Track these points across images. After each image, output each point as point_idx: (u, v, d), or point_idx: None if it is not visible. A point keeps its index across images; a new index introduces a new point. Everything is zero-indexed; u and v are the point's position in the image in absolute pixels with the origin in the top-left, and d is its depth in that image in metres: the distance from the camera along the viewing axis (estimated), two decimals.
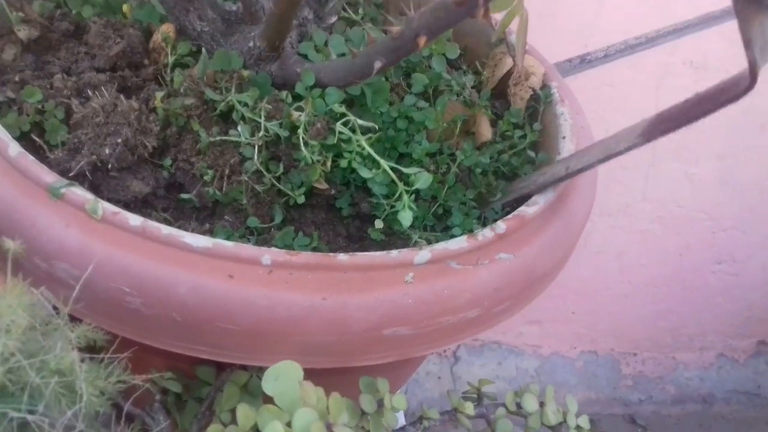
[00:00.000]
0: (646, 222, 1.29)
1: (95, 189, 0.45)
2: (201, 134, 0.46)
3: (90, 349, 0.32)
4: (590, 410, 1.46)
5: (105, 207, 0.40)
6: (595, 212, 1.27)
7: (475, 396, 0.53)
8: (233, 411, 0.40)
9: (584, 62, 0.97)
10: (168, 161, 0.48)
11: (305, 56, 0.55)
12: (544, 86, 0.65)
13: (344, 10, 0.63)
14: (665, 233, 1.31)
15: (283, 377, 0.37)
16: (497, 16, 0.56)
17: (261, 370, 0.40)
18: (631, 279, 1.38)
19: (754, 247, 1.37)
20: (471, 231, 0.47)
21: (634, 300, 1.40)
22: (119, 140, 0.45)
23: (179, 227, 0.43)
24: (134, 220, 0.40)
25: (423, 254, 0.44)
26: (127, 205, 0.46)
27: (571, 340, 1.46)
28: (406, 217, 0.46)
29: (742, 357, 1.57)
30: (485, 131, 0.58)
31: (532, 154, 0.60)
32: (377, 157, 0.48)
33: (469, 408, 0.50)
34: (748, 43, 0.35)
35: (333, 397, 0.34)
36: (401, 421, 0.81)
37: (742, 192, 1.28)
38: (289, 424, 0.34)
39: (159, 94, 0.48)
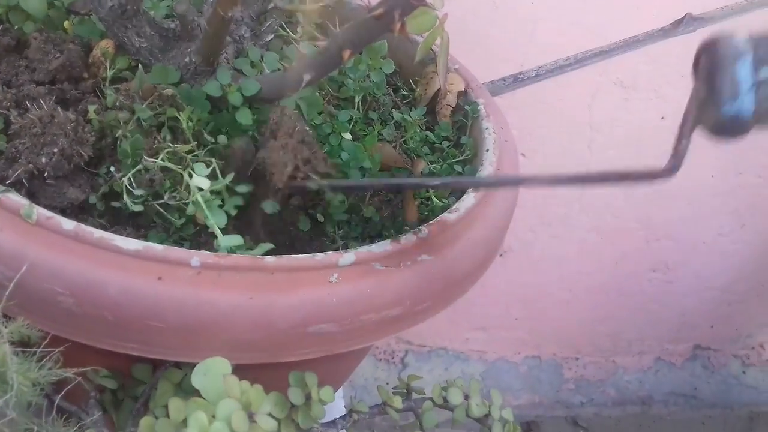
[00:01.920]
0: (584, 232, 1.34)
1: (32, 196, 0.47)
2: (126, 149, 0.48)
3: (23, 345, 0.34)
4: (534, 413, 1.51)
5: (39, 212, 0.42)
6: (536, 222, 1.33)
7: (405, 391, 0.56)
8: (166, 407, 0.42)
9: (517, 81, 1.02)
10: (104, 169, 0.50)
11: (240, 71, 0.58)
12: (472, 103, 0.69)
13: (282, 29, 0.66)
14: (602, 242, 1.37)
15: (211, 372, 0.40)
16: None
17: (194, 368, 0.42)
18: (571, 286, 1.42)
19: (686, 255, 1.43)
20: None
21: (575, 306, 1.45)
22: (56, 150, 0.47)
23: (114, 232, 0.46)
24: (67, 224, 0.42)
25: (347, 256, 0.47)
26: (63, 212, 0.48)
27: (515, 346, 1.50)
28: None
29: (679, 360, 1.63)
30: (411, 215, 0.61)
31: (458, 168, 0.64)
32: None
33: (398, 401, 0.53)
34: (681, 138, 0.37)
35: (254, 389, 0.37)
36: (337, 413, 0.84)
37: (672, 203, 1.34)
38: (214, 416, 0.37)
39: (92, 107, 0.50)
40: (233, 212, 0.49)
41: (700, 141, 1.35)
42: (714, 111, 0.35)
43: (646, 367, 1.61)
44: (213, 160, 0.49)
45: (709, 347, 1.63)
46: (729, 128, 0.36)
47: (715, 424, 1.59)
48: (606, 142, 1.22)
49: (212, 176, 0.49)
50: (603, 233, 1.35)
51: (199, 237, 0.49)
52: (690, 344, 1.62)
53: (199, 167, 0.47)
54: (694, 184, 1.32)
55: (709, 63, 0.35)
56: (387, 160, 0.62)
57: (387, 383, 1.43)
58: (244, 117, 0.53)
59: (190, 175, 0.47)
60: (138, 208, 0.48)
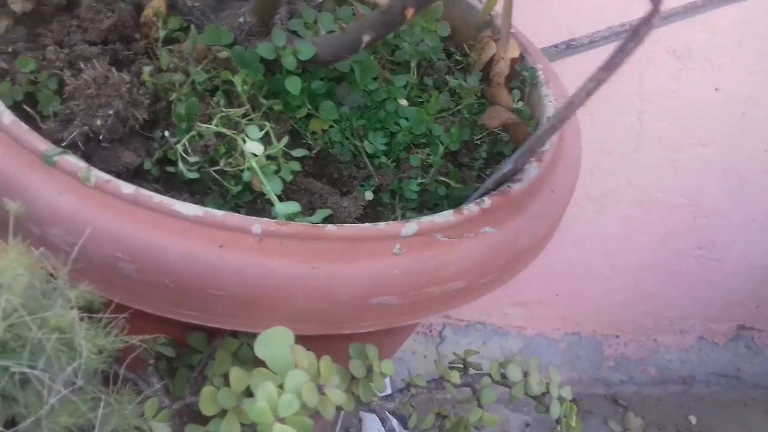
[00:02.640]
0: (630, 207, 1.31)
1: (87, 159, 0.46)
2: (181, 112, 0.46)
3: (87, 311, 0.33)
4: (573, 390, 1.47)
5: (97, 175, 0.41)
6: (581, 197, 1.29)
7: (461, 366, 0.55)
8: (225, 376, 0.41)
9: (570, 48, 0.98)
10: (159, 133, 0.48)
11: (295, 32, 0.56)
12: (530, 68, 0.66)
13: None
14: (648, 218, 1.33)
15: (275, 342, 0.38)
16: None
17: (251, 338, 0.41)
18: (615, 263, 1.40)
19: (734, 233, 1.39)
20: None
21: (618, 283, 1.43)
22: (111, 112, 0.46)
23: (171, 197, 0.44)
24: (126, 188, 0.40)
25: (410, 227, 0.45)
26: (119, 176, 0.47)
27: (555, 322, 1.48)
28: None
29: (722, 340, 1.60)
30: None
31: None
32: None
33: (455, 376, 0.52)
34: None
35: (324, 360, 0.36)
36: (388, 390, 0.83)
37: (723, 179, 1.30)
38: (281, 387, 0.36)
39: (147, 69, 0.48)
40: (289, 178, 0.47)
41: (754, 115, 1.31)
42: None
43: (689, 346, 1.58)
44: (267, 123, 0.47)
45: (753, 327, 1.59)
46: None
47: (758, 406, 1.55)
48: (656, 113, 1.18)
49: (267, 141, 0.47)
50: (649, 209, 1.32)
51: (256, 204, 0.48)
52: (734, 324, 1.58)
53: (252, 130, 0.46)
54: (747, 159, 1.28)
55: None
56: (494, 121, 0.58)
57: (425, 356, 1.42)
58: (293, 85, 0.51)
59: (244, 141, 0.45)
60: (193, 175, 0.46)
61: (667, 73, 1.15)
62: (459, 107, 0.64)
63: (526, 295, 1.42)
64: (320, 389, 0.35)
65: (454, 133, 0.57)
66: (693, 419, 1.50)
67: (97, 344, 0.30)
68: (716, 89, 1.18)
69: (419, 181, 0.54)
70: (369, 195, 0.53)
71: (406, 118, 0.55)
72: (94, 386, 0.31)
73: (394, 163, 0.56)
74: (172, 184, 0.48)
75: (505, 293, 1.41)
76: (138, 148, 0.48)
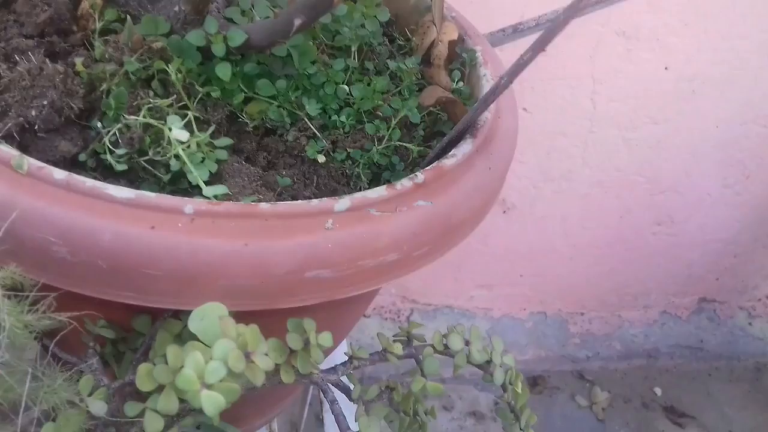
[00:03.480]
0: (587, 186, 1.34)
1: (24, 149, 0.47)
2: (109, 103, 0.47)
3: (16, 290, 0.34)
4: (540, 368, 1.52)
5: (30, 162, 0.42)
6: (538, 178, 1.32)
7: (405, 338, 0.56)
8: (165, 356, 0.42)
9: (517, 31, 1.00)
10: (95, 123, 0.49)
11: (231, 20, 0.57)
12: (469, 50, 0.68)
13: None
14: (606, 197, 1.36)
15: (208, 317, 0.39)
16: None
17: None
18: (576, 242, 1.42)
19: (691, 208, 1.42)
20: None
21: (579, 262, 1.45)
22: (45, 102, 0.46)
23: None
24: (59, 173, 0.41)
25: (342, 202, 0.46)
26: (56, 165, 0.48)
27: (520, 302, 1.51)
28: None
29: (685, 313, 1.64)
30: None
31: None
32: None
33: (398, 348, 0.53)
34: None
35: (250, 329, 0.37)
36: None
37: (677, 155, 1.33)
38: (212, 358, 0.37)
39: (79, 60, 0.49)
40: (213, 168, 0.48)
41: (704, 92, 1.34)
42: None
43: (652, 320, 1.62)
44: (189, 112, 0.48)
45: (714, 299, 1.63)
46: None
47: (722, 376, 1.60)
48: (609, 93, 1.21)
49: (199, 129, 0.48)
50: (607, 187, 1.34)
51: (192, 189, 0.49)
52: (695, 297, 1.62)
53: (173, 120, 0.47)
54: (699, 135, 1.31)
55: None
56: (429, 100, 0.60)
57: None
58: (223, 71, 0.52)
59: (170, 130, 0.46)
60: (122, 167, 0.47)
61: (617, 53, 1.17)
62: (399, 88, 0.65)
63: (490, 278, 1.45)
64: (248, 356, 0.36)
65: (411, 103, 0.59)
66: (658, 391, 1.54)
67: (21, 320, 0.31)
68: (666, 68, 1.21)
69: (380, 147, 0.55)
70: (321, 158, 0.54)
71: (348, 96, 0.56)
72: (23, 360, 0.32)
73: (344, 132, 0.57)
74: (109, 172, 0.49)
75: (469, 277, 1.43)
76: (75, 137, 0.49)
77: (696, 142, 1.32)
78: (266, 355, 0.36)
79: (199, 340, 0.39)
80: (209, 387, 0.34)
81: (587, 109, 1.23)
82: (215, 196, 0.46)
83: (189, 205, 0.42)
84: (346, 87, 0.60)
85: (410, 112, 0.59)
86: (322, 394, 0.48)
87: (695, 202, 1.42)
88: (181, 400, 0.40)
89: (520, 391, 0.60)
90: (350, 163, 0.56)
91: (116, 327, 0.50)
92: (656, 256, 1.49)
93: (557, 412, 1.44)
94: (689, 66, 1.21)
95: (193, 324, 0.39)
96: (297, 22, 0.50)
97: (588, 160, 1.30)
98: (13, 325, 0.30)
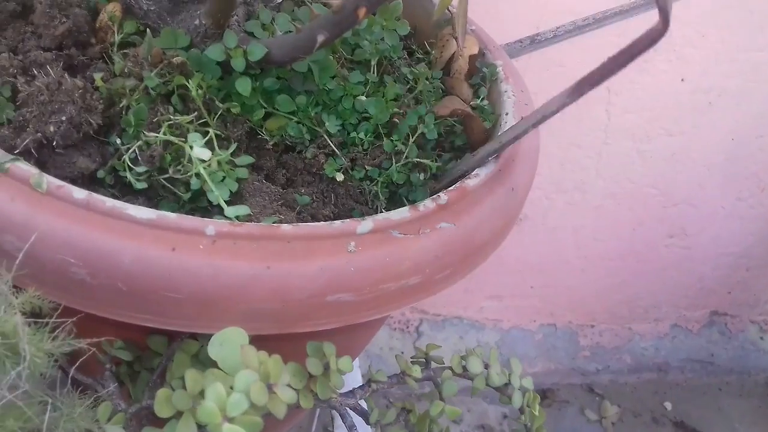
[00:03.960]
0: (600, 198, 1.32)
1: (42, 166, 0.46)
2: (129, 119, 0.46)
3: (35, 316, 0.33)
4: (550, 381, 1.51)
5: (50, 181, 0.41)
6: (551, 189, 1.31)
7: (423, 360, 0.55)
8: (183, 378, 0.42)
9: (534, 42, 0.99)
10: (114, 138, 0.48)
11: (252, 34, 0.56)
12: (490, 65, 0.67)
13: None
14: (619, 209, 1.35)
15: (228, 343, 0.39)
16: None
17: (210, 339, 0.41)
18: (587, 254, 1.41)
19: (704, 220, 1.41)
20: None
21: (591, 274, 1.44)
22: (64, 118, 0.46)
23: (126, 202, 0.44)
24: (78, 193, 0.41)
25: (365, 224, 0.45)
26: (74, 182, 0.47)
27: (530, 314, 1.49)
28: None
29: (696, 327, 1.62)
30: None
31: None
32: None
33: (417, 371, 0.52)
34: None
35: (273, 359, 0.36)
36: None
37: (691, 167, 1.32)
38: (232, 387, 0.36)
39: (97, 75, 0.48)
40: (234, 188, 0.48)
41: (720, 104, 1.33)
42: None
43: (663, 333, 1.60)
44: (210, 129, 0.48)
45: (726, 313, 1.62)
46: None
47: (732, 390, 1.58)
48: (624, 105, 1.20)
49: (220, 146, 0.48)
50: (619, 199, 1.33)
51: (212, 208, 0.48)
52: (707, 310, 1.60)
53: (194, 137, 0.46)
54: (714, 148, 1.30)
55: None
56: (444, 110, 0.59)
57: (402, 352, 1.43)
58: (243, 86, 0.51)
59: (191, 147, 0.45)
60: (141, 185, 0.46)
61: (634, 64, 1.15)
62: (414, 94, 0.64)
63: (501, 289, 1.44)
64: (270, 388, 0.35)
65: (421, 110, 0.58)
66: (668, 405, 1.52)
67: (41, 348, 0.30)
68: (682, 80, 1.20)
69: (398, 165, 0.54)
70: (339, 176, 0.54)
71: (366, 111, 0.56)
72: (42, 390, 0.32)
73: (363, 148, 0.57)
74: (128, 190, 0.48)
75: (480, 287, 1.42)
76: (93, 153, 0.48)
77: (711, 155, 1.31)
78: (288, 386, 0.35)
79: (218, 366, 0.38)
80: (231, 420, 0.33)
81: (602, 121, 1.22)
82: (237, 217, 0.45)
83: (210, 226, 0.41)
84: (363, 98, 0.59)
85: (427, 128, 0.58)
86: (333, 420, 0.47)
87: (709, 215, 1.40)
88: (200, 426, 0.39)
89: (537, 413, 0.59)
90: (368, 181, 0.56)
91: (131, 346, 0.49)
92: (668, 269, 1.48)
93: (566, 426, 1.43)
94: (706, 78, 1.20)
95: (213, 350, 0.38)
96: (320, 38, 0.49)
97: (601, 171, 1.29)
98: (34, 355, 0.29)
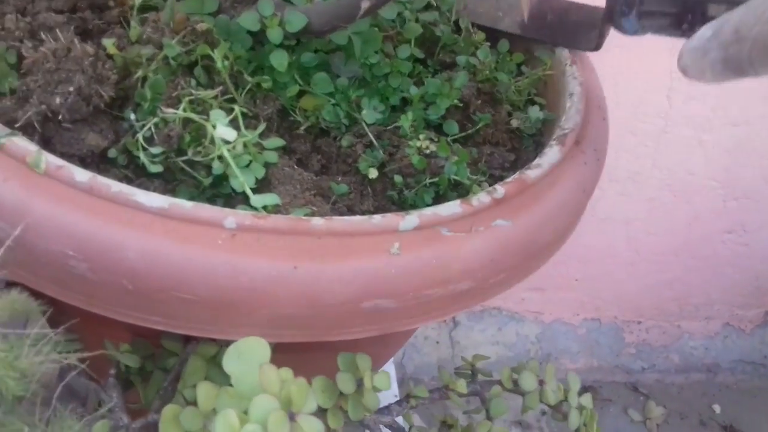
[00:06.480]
0: (656, 190, 1.25)
1: (47, 142, 0.41)
2: (144, 93, 0.40)
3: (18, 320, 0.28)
4: (592, 378, 1.44)
5: (49, 160, 0.36)
6: (604, 179, 1.22)
7: (469, 372, 0.49)
8: (196, 389, 0.36)
9: None
10: (129, 113, 0.43)
11: (289, 0, 0.50)
12: None
13: None
14: (675, 201, 1.28)
15: (246, 355, 0.33)
16: None
17: (231, 343, 0.36)
18: (638, 247, 1.34)
19: (765, 217, 1.33)
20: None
21: (640, 268, 1.37)
22: (71, 88, 0.40)
23: (140, 186, 0.39)
24: (81, 175, 0.35)
25: (410, 219, 0.39)
26: (83, 161, 0.42)
27: (573, 308, 1.43)
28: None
29: (749, 327, 1.54)
30: None
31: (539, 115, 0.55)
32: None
33: (462, 386, 0.46)
34: None
35: (297, 382, 0.30)
36: (394, 388, 0.78)
37: (755, 160, 1.24)
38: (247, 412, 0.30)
39: (109, 41, 0.43)
40: (261, 173, 0.41)
41: None
42: None
43: (714, 333, 1.53)
44: (236, 106, 0.42)
45: None
46: None
47: None
48: (687, 91, 1.12)
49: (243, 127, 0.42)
50: (676, 192, 1.26)
51: (236, 195, 0.42)
52: (762, 310, 1.53)
53: (218, 115, 0.40)
54: None
55: None
56: None
57: (437, 342, 1.38)
58: (279, 60, 0.45)
59: (214, 126, 0.39)
60: (157, 168, 0.41)
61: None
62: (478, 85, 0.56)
63: (543, 280, 1.37)
64: (292, 417, 0.29)
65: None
66: (717, 408, 1.45)
67: (18, 367, 0.25)
68: None
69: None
70: (373, 172, 0.47)
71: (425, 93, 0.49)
72: (18, 414, 0.26)
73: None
74: (142, 172, 0.43)
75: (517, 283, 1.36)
76: (105, 129, 0.43)
77: None
78: (315, 413, 0.30)
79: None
80: None
81: (662, 107, 1.14)
82: (264, 207, 0.39)
83: (230, 217, 0.36)
84: (429, 78, 0.52)
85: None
86: None
87: None
88: None
89: None
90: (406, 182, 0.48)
91: (143, 344, 0.44)
92: (723, 266, 1.40)
93: (608, 426, 1.37)
94: None
95: (229, 364, 0.33)
96: (365, 4, 0.43)
97: (658, 161, 1.22)
98: (5, 376, 0.24)
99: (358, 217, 0.38)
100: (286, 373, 0.31)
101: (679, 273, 1.40)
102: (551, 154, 0.46)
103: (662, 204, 1.28)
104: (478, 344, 1.42)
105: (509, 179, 0.44)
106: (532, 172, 0.44)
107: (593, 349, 1.46)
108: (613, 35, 1.10)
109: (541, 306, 1.43)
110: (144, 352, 0.45)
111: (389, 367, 0.80)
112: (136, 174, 0.43)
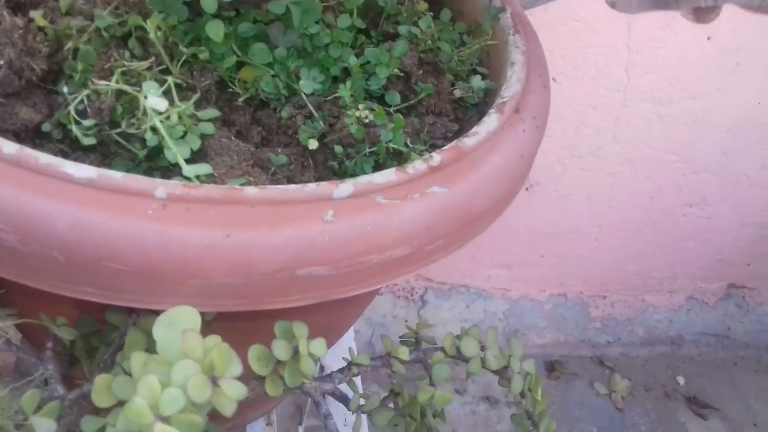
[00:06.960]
0: (617, 164, 1.26)
1: None
2: (74, 65, 0.40)
3: None
4: (559, 352, 1.46)
5: None
6: (565, 155, 1.24)
7: (413, 340, 0.50)
8: None
9: None
10: (62, 87, 0.43)
11: None
12: (494, 9, 0.60)
13: None
14: (636, 176, 1.29)
15: (176, 324, 0.33)
16: None
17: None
18: (601, 222, 1.35)
19: (726, 189, 1.34)
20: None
21: (604, 243, 1.39)
22: (1, 62, 0.40)
23: (75, 160, 0.39)
24: (8, 147, 0.35)
25: (344, 187, 0.40)
26: (17, 136, 0.42)
27: (540, 284, 1.44)
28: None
29: (712, 299, 1.57)
30: None
31: (481, 84, 0.55)
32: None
33: (404, 353, 0.47)
34: None
35: (220, 348, 0.31)
36: None
37: (715, 133, 1.25)
38: None
39: (37, 14, 0.42)
40: (196, 145, 0.41)
41: (748, 65, 1.23)
42: None
43: (677, 306, 1.55)
44: (169, 77, 0.41)
45: (744, 286, 1.56)
46: None
47: (748, 366, 1.53)
48: (645, 64, 1.12)
49: (181, 97, 0.42)
50: (637, 166, 1.27)
51: (174, 167, 0.42)
52: (724, 283, 1.55)
53: (150, 86, 0.40)
54: (739, 112, 1.22)
55: None
56: None
57: (406, 320, 1.39)
58: (214, 30, 0.45)
59: (146, 97, 0.39)
60: (90, 141, 0.40)
61: (657, 21, 1.08)
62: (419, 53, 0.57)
63: (509, 257, 1.38)
64: (215, 381, 0.30)
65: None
66: (681, 380, 1.47)
67: None
68: (708, 38, 1.12)
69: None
70: (313, 143, 0.47)
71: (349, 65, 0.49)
72: None
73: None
74: (78, 146, 0.42)
75: (487, 256, 1.37)
76: (38, 103, 0.42)
77: (736, 120, 1.24)
78: (236, 377, 0.30)
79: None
80: (165, 420, 0.28)
81: (621, 81, 1.15)
82: (197, 177, 0.39)
83: (161, 188, 0.36)
84: (371, 48, 0.52)
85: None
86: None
87: (731, 184, 1.34)
88: None
89: (539, 398, 0.54)
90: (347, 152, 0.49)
91: (89, 320, 0.44)
92: (686, 240, 1.42)
93: (574, 400, 1.39)
94: (734, 37, 1.12)
95: (158, 332, 0.33)
96: None
97: (619, 136, 1.22)
98: None
99: (292, 186, 0.39)
100: (213, 339, 0.32)
101: (642, 247, 1.41)
102: (489, 122, 0.47)
103: (624, 179, 1.29)
104: (446, 322, 1.43)
105: (446, 147, 0.44)
106: (469, 140, 0.45)
107: (559, 324, 1.48)
108: (572, 10, 1.10)
109: (508, 283, 1.44)
110: (90, 328, 0.46)
111: (350, 340, 0.81)
112: (72, 148, 0.43)
